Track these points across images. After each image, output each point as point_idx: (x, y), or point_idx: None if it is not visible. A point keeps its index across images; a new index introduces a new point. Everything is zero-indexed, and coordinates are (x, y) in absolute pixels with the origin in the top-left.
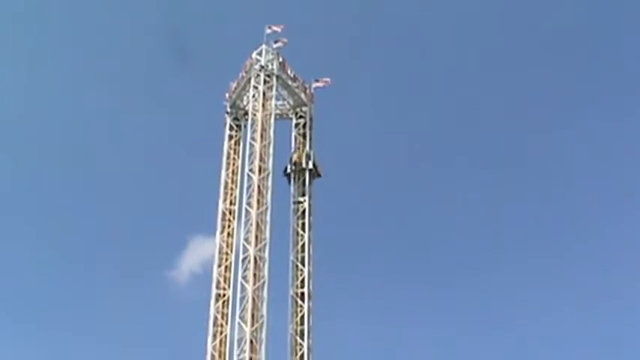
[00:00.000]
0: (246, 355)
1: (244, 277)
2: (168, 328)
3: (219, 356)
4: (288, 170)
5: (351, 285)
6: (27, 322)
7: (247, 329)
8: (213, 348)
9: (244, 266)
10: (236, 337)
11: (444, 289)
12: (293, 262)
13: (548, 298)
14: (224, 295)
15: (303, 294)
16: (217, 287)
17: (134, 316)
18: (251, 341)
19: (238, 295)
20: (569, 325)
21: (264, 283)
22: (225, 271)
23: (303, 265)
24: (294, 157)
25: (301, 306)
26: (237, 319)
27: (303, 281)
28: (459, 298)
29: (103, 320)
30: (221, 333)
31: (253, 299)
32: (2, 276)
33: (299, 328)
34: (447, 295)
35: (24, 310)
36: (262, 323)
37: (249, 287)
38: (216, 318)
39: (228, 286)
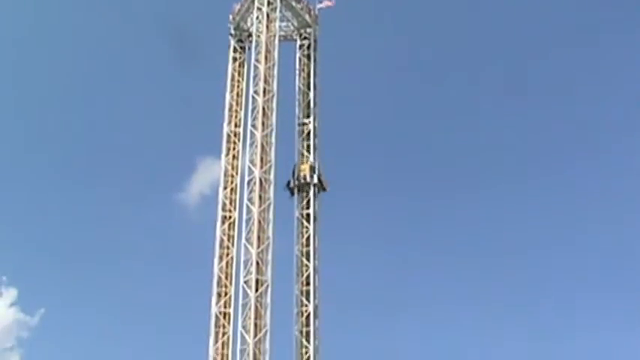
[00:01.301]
0: (252, 276)
1: (250, 199)
2: (177, 250)
3: (226, 277)
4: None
5: (357, 207)
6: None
7: (253, 251)
8: (220, 270)
9: (250, 188)
10: (242, 259)
11: (447, 204)
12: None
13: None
14: (230, 218)
15: (308, 215)
16: (223, 209)
17: (142, 238)
18: (257, 263)
19: (244, 217)
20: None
21: (269, 204)
22: (231, 193)
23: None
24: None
25: (307, 227)
26: (243, 241)
27: (308, 202)
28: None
29: (112, 242)
30: (227, 255)
31: (259, 221)
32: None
33: (305, 250)
34: (449, 213)
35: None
36: (268, 245)
37: (255, 209)
38: (222, 240)
39: (234, 209)
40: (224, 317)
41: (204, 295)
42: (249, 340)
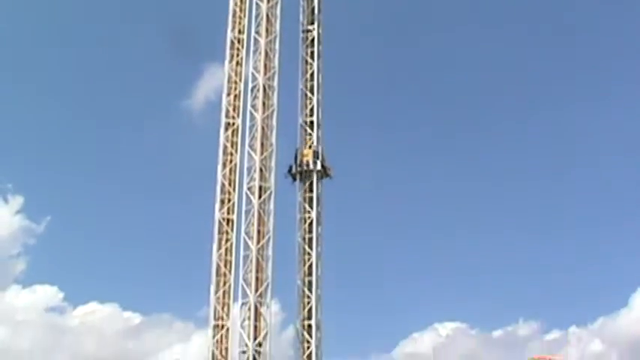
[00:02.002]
0: (256, 183)
1: (253, 106)
2: (181, 157)
3: (229, 184)
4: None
5: (362, 112)
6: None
7: (256, 157)
8: (223, 176)
9: (253, 95)
10: (245, 166)
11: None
12: (302, 90)
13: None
14: (233, 124)
15: (312, 122)
16: (227, 116)
17: (147, 145)
18: (260, 169)
19: (247, 124)
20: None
21: (273, 111)
22: (235, 100)
23: (312, 94)
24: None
25: (310, 134)
26: (247, 148)
27: (312, 109)
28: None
29: (117, 150)
30: (231, 162)
31: (262, 128)
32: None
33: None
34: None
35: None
36: (271, 152)
37: (259, 116)
38: (225, 147)
39: (238, 115)
40: (227, 224)
41: (208, 201)
42: (253, 246)
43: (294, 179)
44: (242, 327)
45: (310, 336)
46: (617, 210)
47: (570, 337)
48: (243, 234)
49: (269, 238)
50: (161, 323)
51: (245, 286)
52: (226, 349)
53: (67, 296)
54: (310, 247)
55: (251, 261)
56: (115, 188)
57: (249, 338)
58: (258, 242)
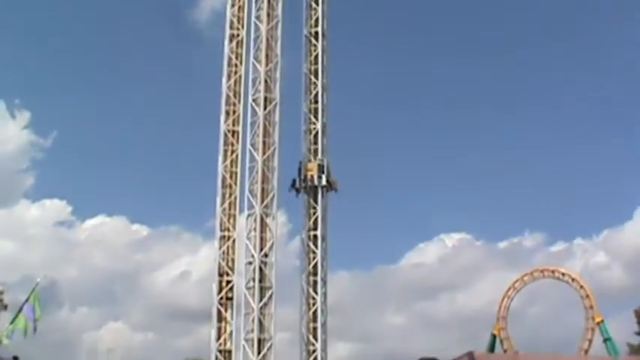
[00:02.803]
0: (261, 94)
1: (258, 17)
2: (187, 66)
3: (234, 96)
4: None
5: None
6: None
7: (262, 69)
8: (228, 88)
9: (258, 5)
10: (250, 77)
11: None
12: (306, 1)
13: None
14: (238, 36)
15: (317, 33)
16: (231, 27)
17: (153, 55)
18: (265, 81)
19: (252, 36)
20: None
21: (277, 22)
22: (239, 11)
23: (317, 4)
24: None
25: (315, 45)
26: (252, 59)
27: (317, 20)
28: None
29: (123, 61)
30: (236, 73)
31: (267, 39)
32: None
33: (313, 67)
34: None
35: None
36: (276, 63)
37: (263, 27)
38: (230, 58)
39: (242, 27)
40: (233, 135)
41: (213, 114)
42: (258, 157)
43: (298, 193)
44: (248, 238)
45: (316, 247)
46: (626, 123)
47: (575, 249)
48: (248, 145)
49: (274, 149)
50: (169, 235)
51: (251, 197)
52: (233, 260)
53: (75, 210)
54: (315, 157)
55: (256, 172)
56: (121, 103)
57: (255, 249)
58: (264, 153)
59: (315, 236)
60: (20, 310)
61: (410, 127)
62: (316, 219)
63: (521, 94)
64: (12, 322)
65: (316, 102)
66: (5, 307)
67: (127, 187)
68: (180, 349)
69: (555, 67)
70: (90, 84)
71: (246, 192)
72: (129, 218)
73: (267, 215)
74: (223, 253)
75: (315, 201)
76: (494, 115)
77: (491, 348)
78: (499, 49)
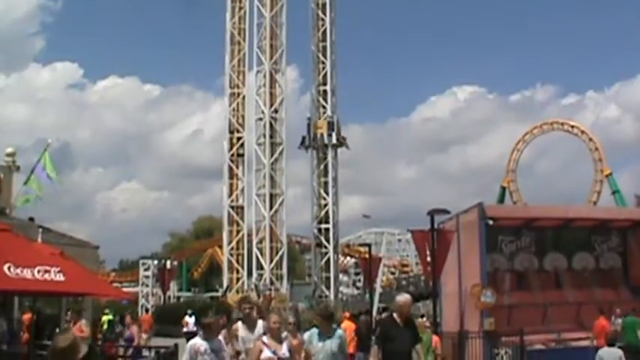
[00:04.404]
0: None
1: None
2: None
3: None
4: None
5: None
6: None
7: None
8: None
9: None
10: None
11: None
12: None
13: None
14: None
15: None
16: None
17: None
18: None
19: None
20: None
21: None
22: None
23: None
24: None
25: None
26: None
27: None
28: None
29: None
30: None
31: None
32: None
33: None
34: None
35: None
36: None
37: None
38: None
39: None
40: None
41: None
42: (266, 13)
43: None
44: (258, 94)
45: (326, 101)
46: None
47: (587, 102)
48: (256, 1)
49: (282, 4)
50: (180, 94)
51: (260, 53)
52: (243, 117)
53: (86, 72)
54: (324, 12)
55: (265, 28)
56: None
57: (265, 105)
58: (272, 9)
59: (325, 91)
60: (32, 171)
61: None
62: (325, 74)
63: None
64: (25, 183)
65: None
66: (18, 169)
67: (137, 46)
68: (194, 207)
69: None
70: None
71: (255, 48)
72: (140, 78)
73: (276, 71)
74: (233, 110)
75: (325, 56)
76: None
77: (501, 200)
78: None
